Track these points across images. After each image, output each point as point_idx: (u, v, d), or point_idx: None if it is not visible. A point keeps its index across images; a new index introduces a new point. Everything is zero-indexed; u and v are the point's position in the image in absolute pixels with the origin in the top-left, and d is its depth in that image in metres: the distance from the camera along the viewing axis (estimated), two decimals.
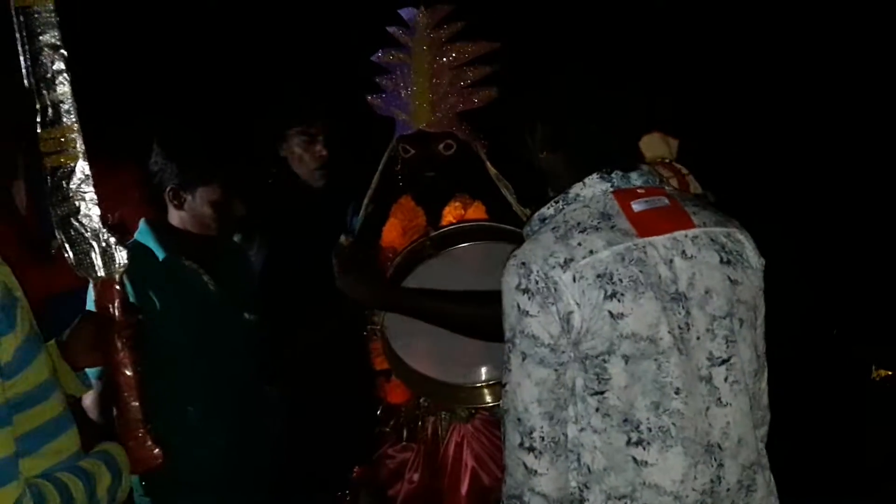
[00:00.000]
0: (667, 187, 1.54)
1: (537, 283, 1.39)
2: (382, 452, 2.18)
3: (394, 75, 2.17)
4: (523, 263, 1.41)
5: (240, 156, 2.23)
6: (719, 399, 1.44)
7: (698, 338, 1.43)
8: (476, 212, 2.18)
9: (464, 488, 2.09)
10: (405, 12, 2.17)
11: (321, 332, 2.45)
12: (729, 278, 1.46)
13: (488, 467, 2.08)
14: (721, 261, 1.46)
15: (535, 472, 1.40)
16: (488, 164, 2.19)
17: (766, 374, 1.57)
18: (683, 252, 1.44)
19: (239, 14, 3.94)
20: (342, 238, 2.09)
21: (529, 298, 1.39)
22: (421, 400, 2.12)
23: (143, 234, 2.19)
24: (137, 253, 2.13)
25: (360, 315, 2.17)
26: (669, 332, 1.39)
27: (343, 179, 2.70)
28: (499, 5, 3.29)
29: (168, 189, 2.16)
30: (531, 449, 1.40)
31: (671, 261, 1.42)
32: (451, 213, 2.18)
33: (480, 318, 1.67)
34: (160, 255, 2.15)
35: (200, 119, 2.39)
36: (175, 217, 2.20)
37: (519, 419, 1.41)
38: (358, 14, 3.24)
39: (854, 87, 4.04)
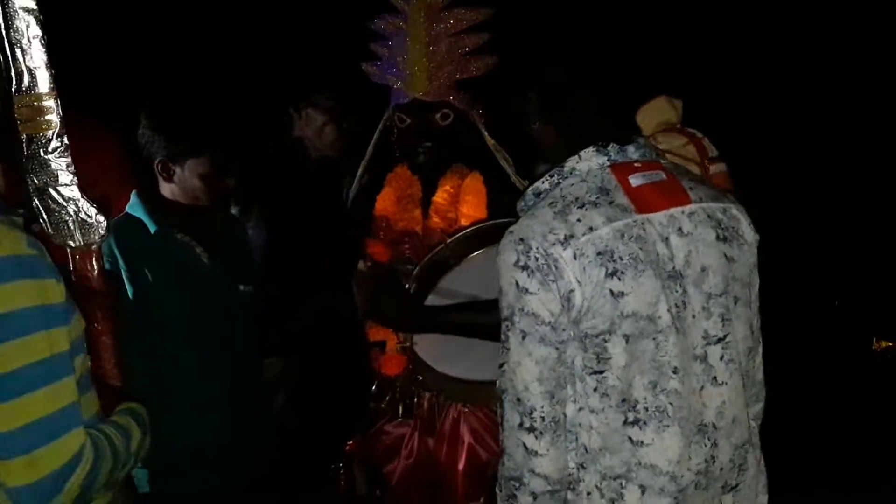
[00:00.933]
0: (663, 161, 1.50)
1: (537, 259, 1.35)
2: (379, 428, 2.16)
3: (390, 42, 2.12)
4: (521, 240, 1.37)
5: (229, 127, 2.18)
6: (714, 378, 1.42)
7: (694, 316, 1.40)
8: (473, 182, 2.13)
9: (461, 464, 2.07)
10: None
11: (320, 303, 2.43)
12: (725, 255, 1.44)
13: (485, 443, 2.06)
14: (717, 237, 1.44)
15: (536, 452, 1.37)
16: (486, 134, 2.15)
17: (760, 350, 1.55)
18: (680, 229, 1.41)
19: None
20: (360, 265, 2.03)
21: (529, 276, 1.35)
22: (417, 375, 2.09)
23: (134, 206, 2.16)
24: (129, 226, 2.11)
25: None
26: (668, 311, 1.37)
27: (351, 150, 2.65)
28: None
29: (157, 161, 2.13)
30: (531, 429, 1.37)
31: (667, 238, 1.39)
32: (447, 184, 2.13)
33: None
34: (152, 227, 2.12)
35: (188, 91, 2.34)
36: (166, 189, 2.17)
37: (519, 399, 1.37)
38: None
39: (856, 62, 3.98)
